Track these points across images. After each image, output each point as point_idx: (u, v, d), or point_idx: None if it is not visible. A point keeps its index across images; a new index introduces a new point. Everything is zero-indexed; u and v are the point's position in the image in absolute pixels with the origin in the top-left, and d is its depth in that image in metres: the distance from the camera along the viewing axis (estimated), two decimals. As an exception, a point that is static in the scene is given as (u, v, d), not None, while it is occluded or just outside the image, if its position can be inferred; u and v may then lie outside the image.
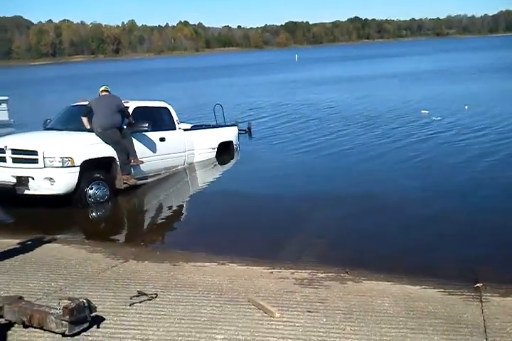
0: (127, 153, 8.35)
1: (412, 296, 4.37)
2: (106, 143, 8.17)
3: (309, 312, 4.01)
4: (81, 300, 3.62)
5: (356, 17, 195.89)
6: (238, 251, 5.71)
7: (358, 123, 14.85)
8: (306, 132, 13.91)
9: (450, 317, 3.91)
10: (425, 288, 4.57)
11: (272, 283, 4.68)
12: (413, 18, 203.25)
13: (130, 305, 4.06)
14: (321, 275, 4.91)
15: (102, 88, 8.84)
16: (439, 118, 14.61)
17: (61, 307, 3.53)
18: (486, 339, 3.55)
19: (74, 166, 7.56)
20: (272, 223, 6.85)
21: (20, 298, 3.86)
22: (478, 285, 4.53)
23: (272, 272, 4.99)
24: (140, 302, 4.13)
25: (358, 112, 16.97)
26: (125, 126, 8.61)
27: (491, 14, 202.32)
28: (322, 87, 27.61)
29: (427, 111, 15.68)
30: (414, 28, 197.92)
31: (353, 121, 15.27)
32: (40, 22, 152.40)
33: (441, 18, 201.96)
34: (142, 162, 8.63)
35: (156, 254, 5.62)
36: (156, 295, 4.26)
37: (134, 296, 4.22)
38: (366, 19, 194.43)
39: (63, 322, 3.48)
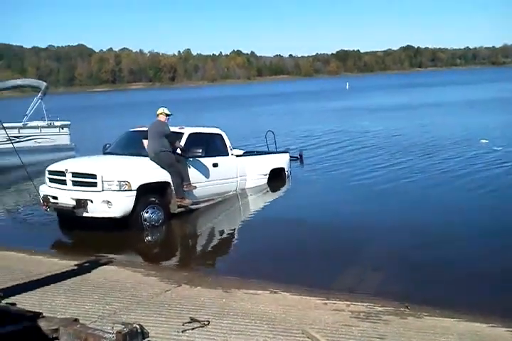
0: (181, 177, 8.45)
1: (479, 334, 4.10)
2: (161, 167, 8.32)
3: (368, 348, 3.82)
4: (134, 325, 3.58)
5: (409, 45, 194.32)
6: (290, 279, 5.58)
7: (417, 152, 14.34)
8: (361, 161, 13.63)
9: (523, 360, 3.62)
10: (493, 326, 4.28)
11: (326, 314, 4.52)
12: (467, 47, 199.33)
13: (182, 332, 4.01)
14: (379, 308, 4.70)
15: (158, 110, 8.89)
16: (500, 148, 14.02)
17: (114, 332, 3.52)
18: None
19: (131, 190, 7.72)
20: (325, 252, 6.66)
21: (76, 320, 3.88)
22: (552, 326, 4.19)
23: (326, 303, 4.83)
24: (192, 329, 4.07)
25: (415, 141, 16.51)
26: (179, 151, 8.76)
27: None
28: (375, 115, 27.29)
29: (486, 141, 15.14)
30: (469, 57, 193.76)
31: (411, 150, 14.81)
32: (102, 50, 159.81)
33: (497, 46, 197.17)
34: (195, 187, 8.69)
35: (208, 280, 5.57)
36: (209, 322, 4.20)
37: (186, 322, 4.17)
38: (419, 47, 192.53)
39: (117, 346, 3.45)
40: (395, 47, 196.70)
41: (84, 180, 7.81)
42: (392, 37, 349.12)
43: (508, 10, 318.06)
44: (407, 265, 6.01)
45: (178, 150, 8.80)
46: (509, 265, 5.81)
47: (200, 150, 8.92)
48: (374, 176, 11.48)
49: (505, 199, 8.95)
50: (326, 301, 4.86)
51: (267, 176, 10.85)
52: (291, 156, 12.32)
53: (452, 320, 4.43)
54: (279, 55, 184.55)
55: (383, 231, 7.39)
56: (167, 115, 8.86)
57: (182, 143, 8.95)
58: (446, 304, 4.78)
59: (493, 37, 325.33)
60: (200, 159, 9.08)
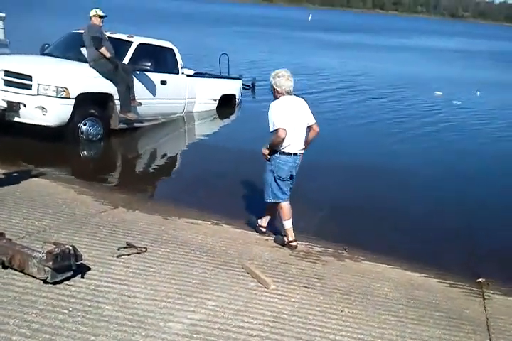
0: (128, 87, 7.79)
1: (412, 283, 4.20)
2: (103, 76, 7.61)
3: (306, 287, 3.81)
4: (67, 246, 3.33)
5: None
6: (233, 212, 5.44)
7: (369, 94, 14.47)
8: (315, 96, 13.38)
9: (452, 311, 3.75)
10: (426, 276, 4.40)
11: (267, 251, 4.45)
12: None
13: (118, 257, 3.79)
14: (319, 249, 4.71)
15: (90, 13, 7.84)
16: (459, 102, 14.18)
17: (44, 252, 3.24)
18: (490, 339, 3.40)
19: (69, 98, 7.08)
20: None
21: (2, 234, 3.55)
22: (480, 280, 4.38)
23: (267, 239, 4.76)
24: (128, 254, 3.86)
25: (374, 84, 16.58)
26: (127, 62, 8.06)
27: (510, 1, 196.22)
28: (336, 52, 26.95)
29: (440, 93, 15.27)
30: (431, 5, 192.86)
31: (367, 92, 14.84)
32: None
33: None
34: (140, 104, 8.09)
35: (147, 205, 5.31)
36: (146, 249, 3.99)
37: (122, 247, 3.95)
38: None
39: (46, 268, 3.20)
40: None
41: (18, 80, 7.04)
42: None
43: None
44: (351, 208, 6.00)
45: (126, 60, 8.10)
46: (449, 219, 5.96)
47: (149, 64, 8.25)
48: (326, 113, 11.29)
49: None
50: (267, 237, 4.79)
51: (217, 102, 10.38)
52: (243, 84, 11.84)
53: (387, 266, 4.51)
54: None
55: (330, 170, 7.26)
56: (100, 17, 7.88)
57: (129, 53, 8.22)
58: (383, 250, 4.85)
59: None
60: (147, 74, 8.40)
